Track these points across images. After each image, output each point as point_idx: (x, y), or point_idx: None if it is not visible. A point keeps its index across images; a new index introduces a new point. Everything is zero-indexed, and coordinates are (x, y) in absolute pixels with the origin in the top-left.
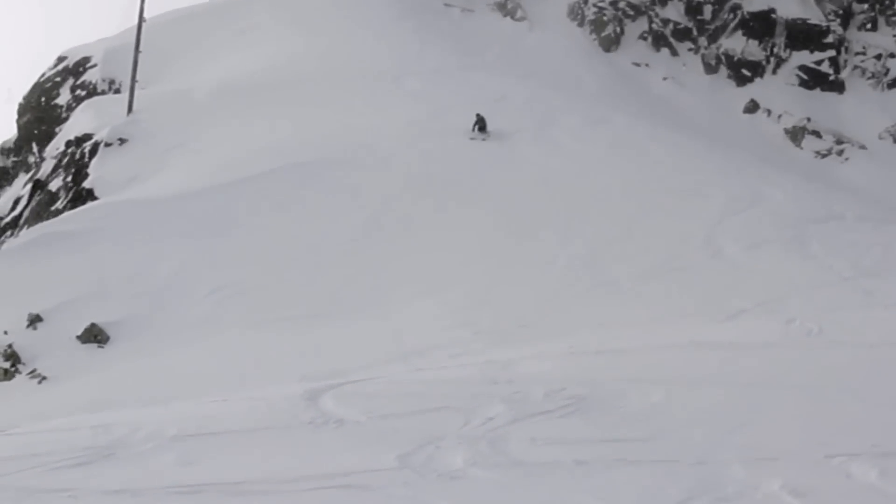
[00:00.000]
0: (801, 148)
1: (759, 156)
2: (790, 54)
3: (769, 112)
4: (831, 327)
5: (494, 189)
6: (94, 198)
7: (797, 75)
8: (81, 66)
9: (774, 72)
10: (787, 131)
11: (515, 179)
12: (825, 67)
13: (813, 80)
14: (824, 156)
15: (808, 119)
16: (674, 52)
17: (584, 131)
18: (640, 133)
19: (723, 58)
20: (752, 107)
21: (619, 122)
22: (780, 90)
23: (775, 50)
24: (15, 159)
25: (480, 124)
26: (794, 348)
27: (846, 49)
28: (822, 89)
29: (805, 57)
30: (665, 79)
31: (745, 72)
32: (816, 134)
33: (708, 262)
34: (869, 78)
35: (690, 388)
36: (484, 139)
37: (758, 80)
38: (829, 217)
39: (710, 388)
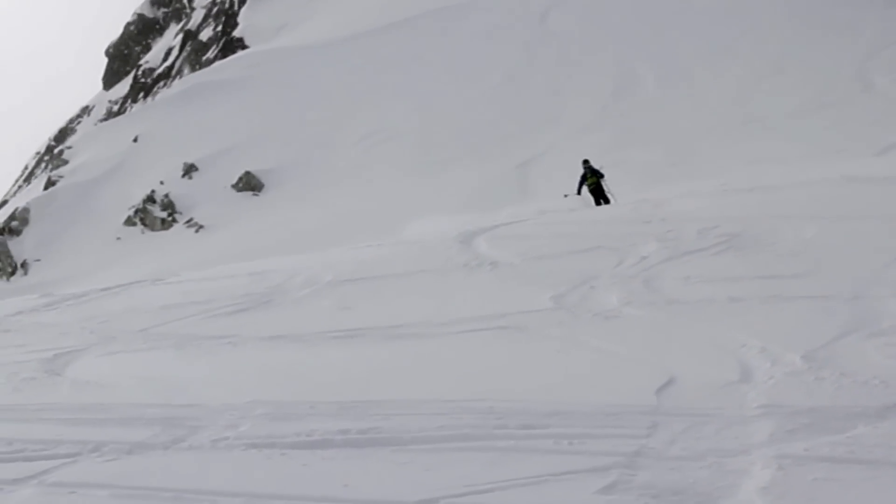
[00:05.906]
0: None
1: None
2: None
3: None
4: None
5: (642, 30)
6: (244, 46)
7: None
8: None
9: None
10: None
11: (661, 20)
12: None
13: None
14: None
15: None
16: None
17: None
18: None
19: None
20: None
21: None
22: None
23: None
24: (165, 10)
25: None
26: None
27: None
28: None
29: None
30: None
31: None
32: None
33: (859, 97)
34: None
35: (844, 223)
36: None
37: None
38: None
39: (864, 222)
